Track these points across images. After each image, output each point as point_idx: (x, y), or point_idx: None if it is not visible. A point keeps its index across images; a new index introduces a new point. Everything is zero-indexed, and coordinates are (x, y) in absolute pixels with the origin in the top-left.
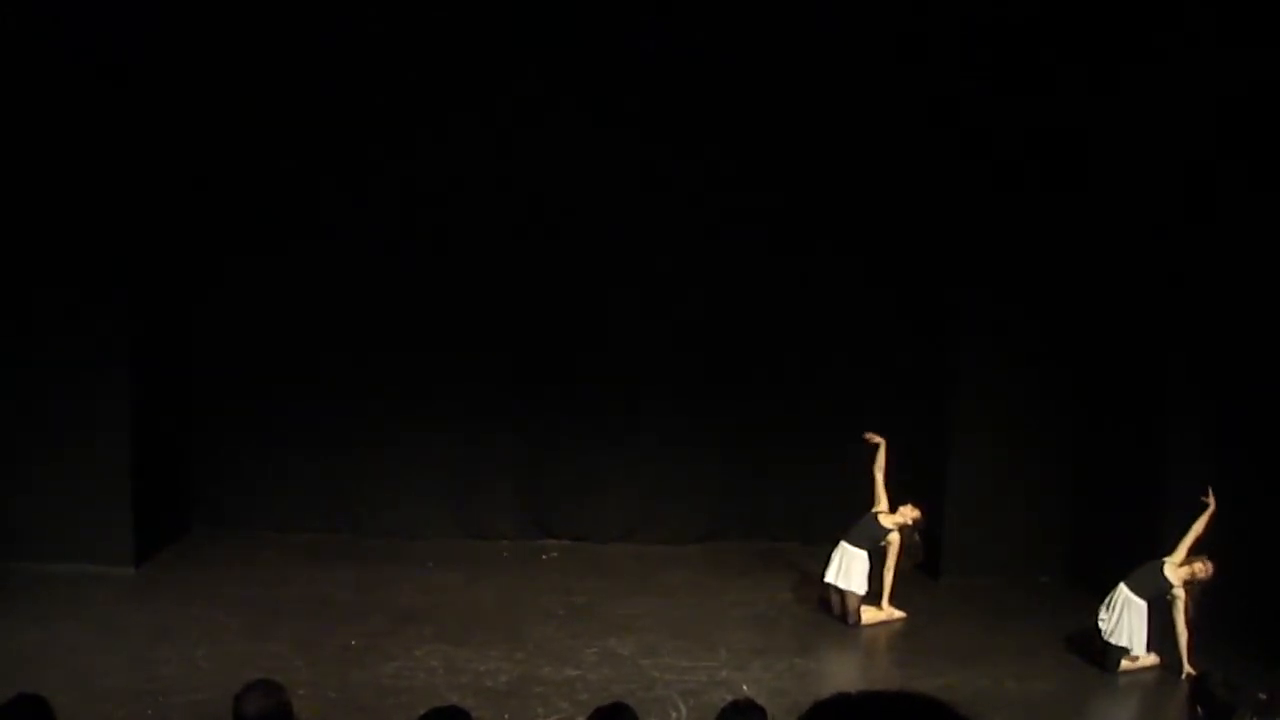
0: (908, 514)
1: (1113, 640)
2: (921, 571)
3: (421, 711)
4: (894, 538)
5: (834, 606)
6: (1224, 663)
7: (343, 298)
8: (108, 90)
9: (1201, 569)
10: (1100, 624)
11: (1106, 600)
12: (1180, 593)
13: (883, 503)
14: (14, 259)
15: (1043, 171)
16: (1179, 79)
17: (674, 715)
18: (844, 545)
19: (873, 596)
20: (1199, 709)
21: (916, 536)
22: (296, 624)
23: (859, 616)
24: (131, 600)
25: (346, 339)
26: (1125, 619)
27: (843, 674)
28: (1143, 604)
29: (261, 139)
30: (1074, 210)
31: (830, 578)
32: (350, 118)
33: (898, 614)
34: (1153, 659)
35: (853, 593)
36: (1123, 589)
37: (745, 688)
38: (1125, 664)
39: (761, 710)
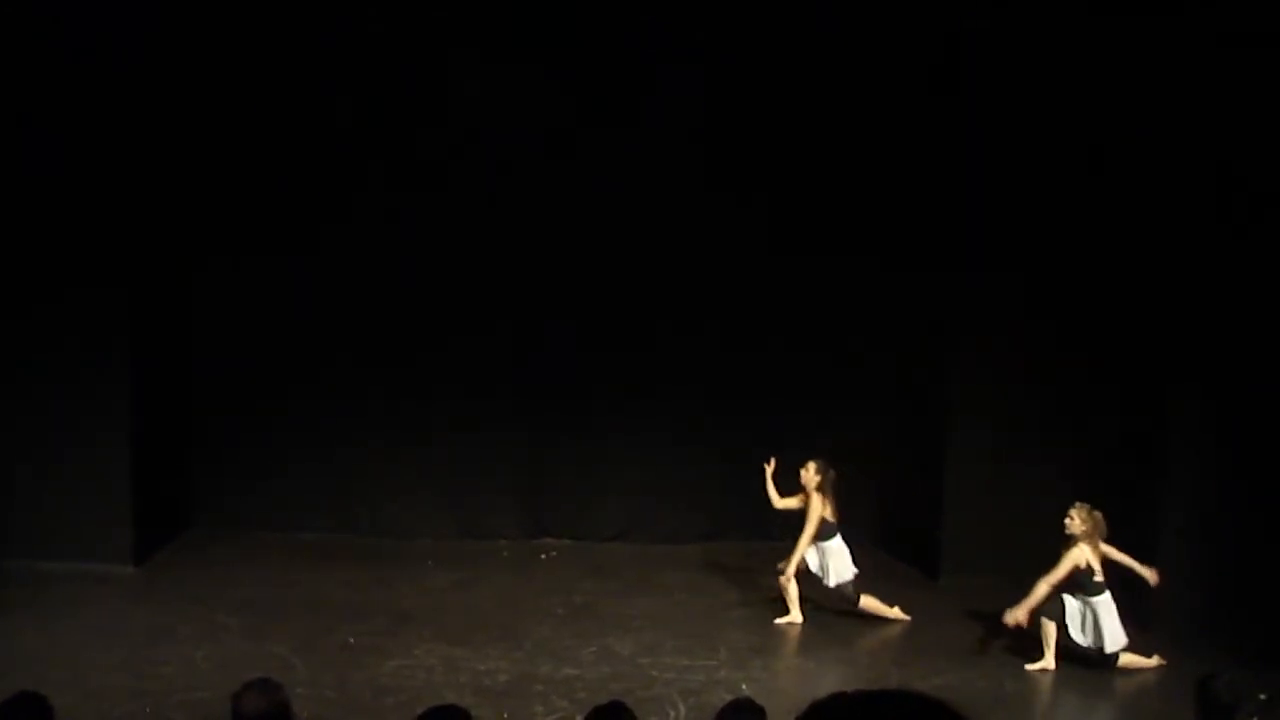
0: (810, 480)
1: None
2: (920, 571)
3: (420, 710)
4: (814, 506)
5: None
6: (1222, 664)
7: (343, 297)
8: (107, 89)
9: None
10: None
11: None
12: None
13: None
14: (14, 257)
15: (1041, 168)
16: (1186, 81)
17: (672, 714)
18: (817, 545)
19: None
20: (1200, 709)
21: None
22: (295, 623)
23: (858, 597)
24: (131, 599)
25: (346, 338)
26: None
27: (841, 673)
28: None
29: (262, 138)
30: (1073, 209)
31: (824, 578)
32: (350, 117)
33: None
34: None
35: (846, 582)
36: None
37: (744, 687)
38: (1124, 660)
39: (760, 709)
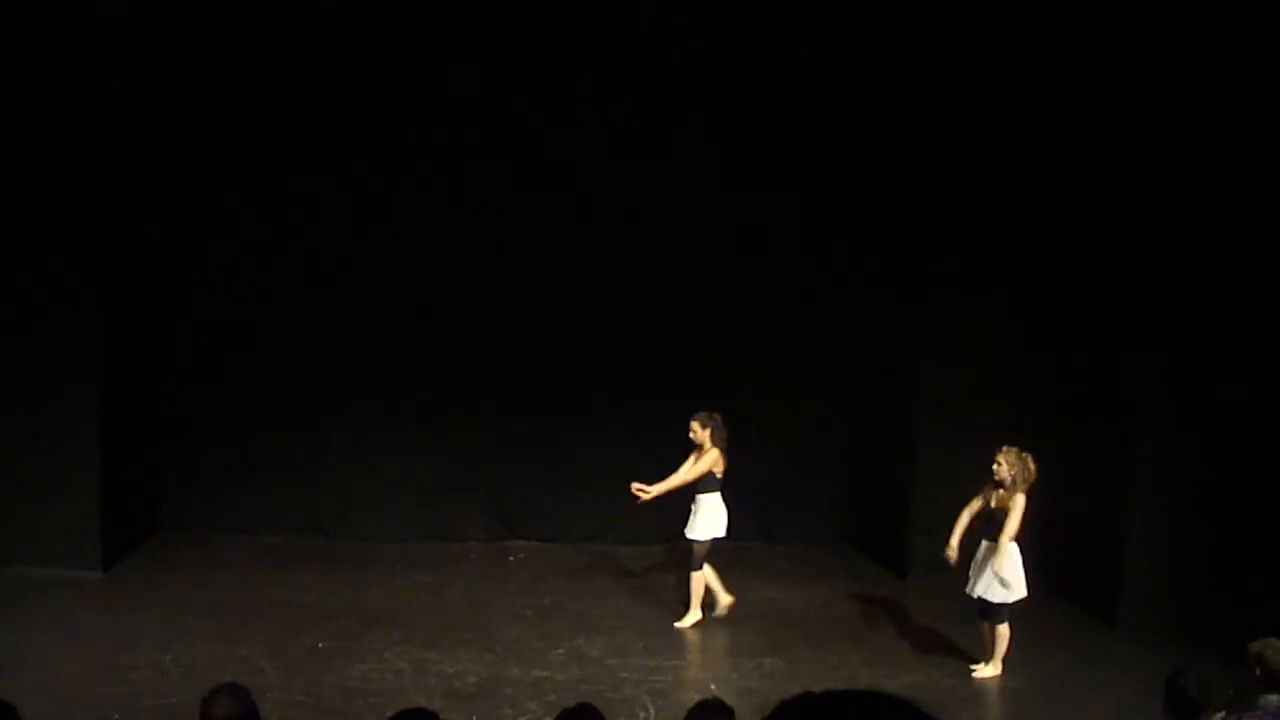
0: (702, 435)
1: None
2: (889, 570)
3: (390, 713)
4: (706, 458)
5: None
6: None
7: (311, 300)
8: (91, 84)
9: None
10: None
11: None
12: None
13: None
14: None
15: (1024, 161)
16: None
17: (642, 715)
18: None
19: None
20: (1169, 706)
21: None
22: (265, 627)
23: (700, 563)
24: (99, 604)
25: (315, 341)
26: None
27: (810, 673)
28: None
29: (244, 139)
30: (1060, 205)
31: (687, 529)
32: (332, 120)
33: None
34: None
35: (705, 541)
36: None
37: (713, 687)
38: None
39: (729, 710)
